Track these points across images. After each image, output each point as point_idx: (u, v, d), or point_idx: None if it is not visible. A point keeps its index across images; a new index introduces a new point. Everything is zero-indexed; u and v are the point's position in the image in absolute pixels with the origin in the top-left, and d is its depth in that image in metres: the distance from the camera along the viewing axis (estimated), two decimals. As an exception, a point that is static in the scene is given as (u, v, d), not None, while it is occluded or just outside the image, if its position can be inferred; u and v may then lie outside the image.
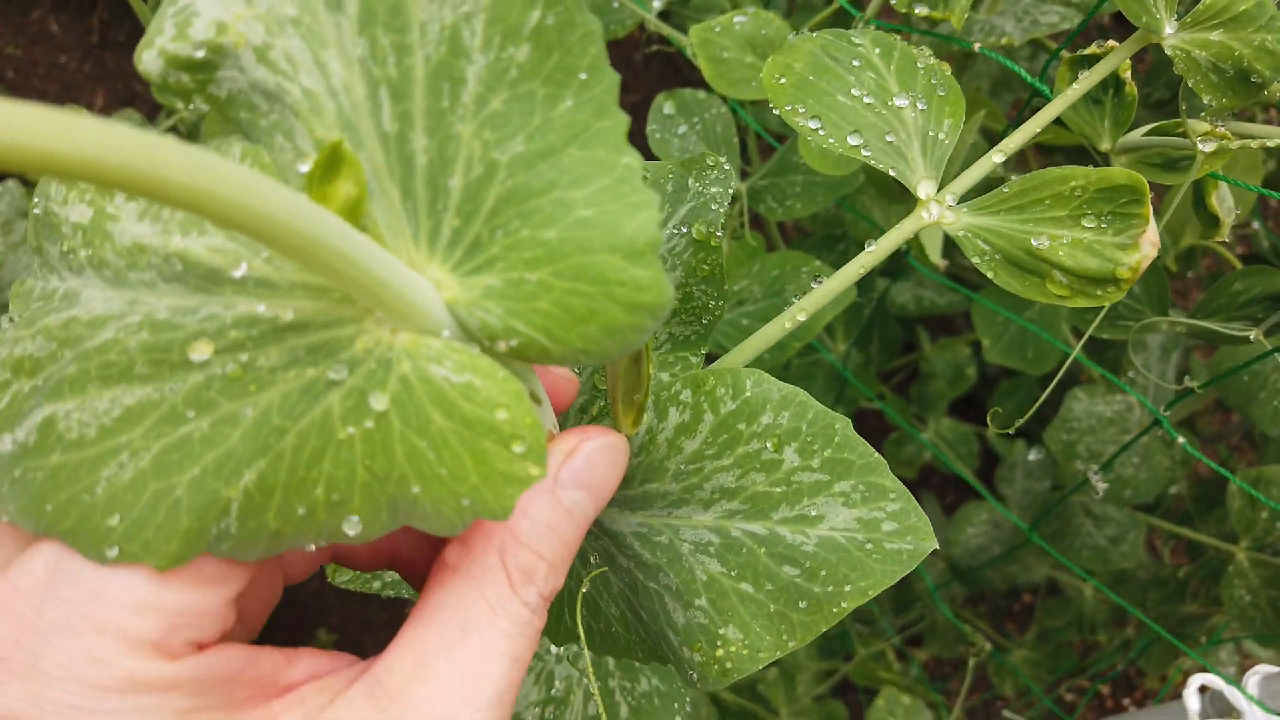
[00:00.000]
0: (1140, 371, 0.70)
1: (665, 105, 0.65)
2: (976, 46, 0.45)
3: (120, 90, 1.88)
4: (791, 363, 0.85)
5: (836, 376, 0.86)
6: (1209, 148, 0.38)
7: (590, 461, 0.26)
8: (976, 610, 1.27)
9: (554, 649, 0.44)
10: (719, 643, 0.28)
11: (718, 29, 0.54)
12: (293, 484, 0.21)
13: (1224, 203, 0.44)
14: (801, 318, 0.36)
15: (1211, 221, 0.44)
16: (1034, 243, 0.35)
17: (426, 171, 0.21)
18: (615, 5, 0.69)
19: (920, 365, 1.06)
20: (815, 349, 0.84)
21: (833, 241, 0.74)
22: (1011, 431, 0.45)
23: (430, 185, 0.21)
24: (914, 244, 0.67)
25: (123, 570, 0.21)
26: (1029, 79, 0.46)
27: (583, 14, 0.20)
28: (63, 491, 0.21)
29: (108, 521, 0.21)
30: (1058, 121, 0.43)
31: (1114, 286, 0.34)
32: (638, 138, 0.66)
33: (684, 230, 0.33)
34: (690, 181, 0.33)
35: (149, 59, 0.22)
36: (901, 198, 0.71)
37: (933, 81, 0.40)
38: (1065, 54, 0.43)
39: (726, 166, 0.33)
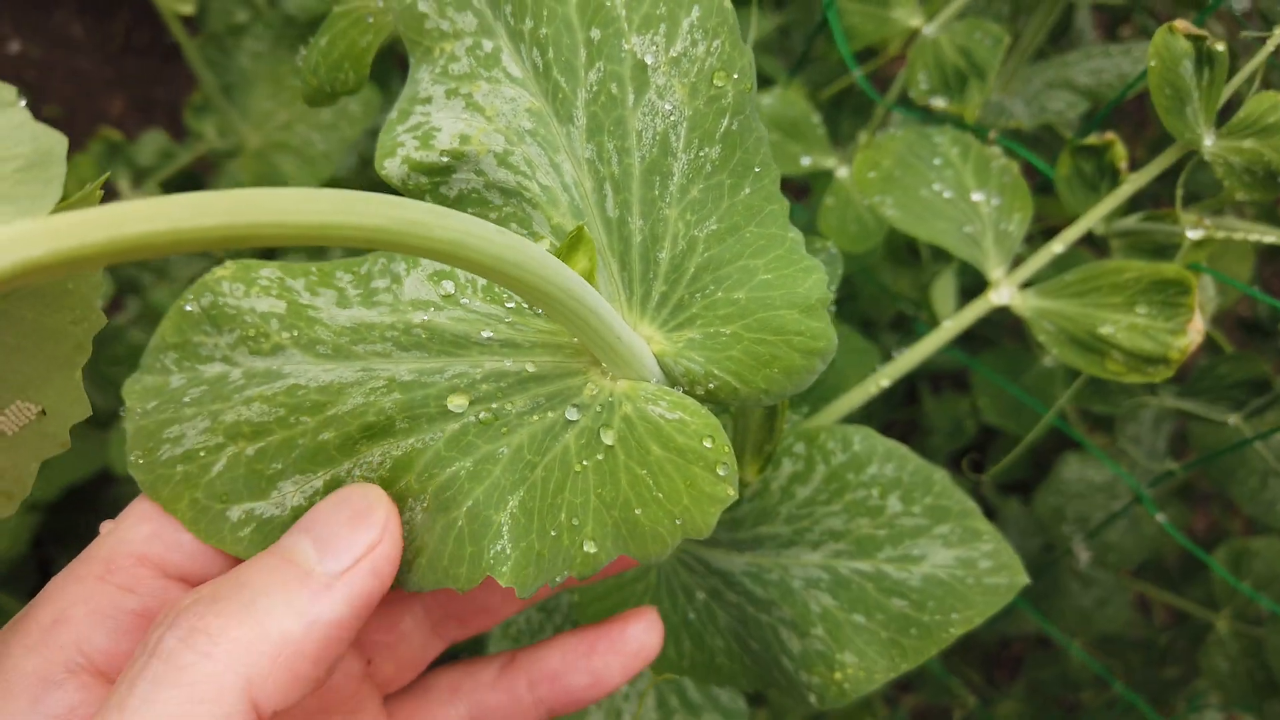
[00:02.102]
0: (1128, 444, 0.72)
1: None
2: (993, 136, 0.48)
3: (139, 96, 1.90)
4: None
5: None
6: (1196, 235, 0.42)
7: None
8: (967, 657, 1.28)
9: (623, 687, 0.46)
10: (836, 667, 0.32)
11: (860, 191, 0.57)
12: (544, 510, 0.25)
13: (1204, 291, 0.47)
14: (885, 383, 0.42)
15: (1188, 313, 0.47)
16: (1101, 329, 0.39)
17: (641, 247, 0.26)
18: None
19: (921, 418, 1.08)
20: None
21: (839, 301, 0.76)
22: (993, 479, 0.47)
23: (643, 258, 0.26)
24: (924, 306, 0.70)
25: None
26: (1040, 166, 0.49)
27: (756, 121, 0.25)
28: None
29: (414, 557, 0.25)
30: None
31: (1164, 365, 0.39)
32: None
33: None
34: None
35: (392, 166, 0.26)
36: (910, 262, 0.73)
37: (1004, 180, 0.45)
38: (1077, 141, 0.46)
39: (834, 250, 0.36)
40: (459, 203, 0.27)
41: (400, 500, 0.25)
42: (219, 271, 0.27)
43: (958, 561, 0.32)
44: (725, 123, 0.25)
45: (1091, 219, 0.43)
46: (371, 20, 0.39)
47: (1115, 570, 0.80)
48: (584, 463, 0.25)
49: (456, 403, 0.26)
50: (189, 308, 0.27)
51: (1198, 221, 0.43)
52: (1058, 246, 0.43)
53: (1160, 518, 0.57)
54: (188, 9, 0.59)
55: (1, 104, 0.16)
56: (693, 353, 0.26)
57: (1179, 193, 0.45)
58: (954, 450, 1.12)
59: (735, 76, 0.25)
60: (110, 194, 0.95)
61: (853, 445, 0.33)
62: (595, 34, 0.25)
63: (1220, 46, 0.41)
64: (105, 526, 0.27)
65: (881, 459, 0.33)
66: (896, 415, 1.17)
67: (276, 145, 0.68)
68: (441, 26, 0.26)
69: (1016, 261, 0.44)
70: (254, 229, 0.16)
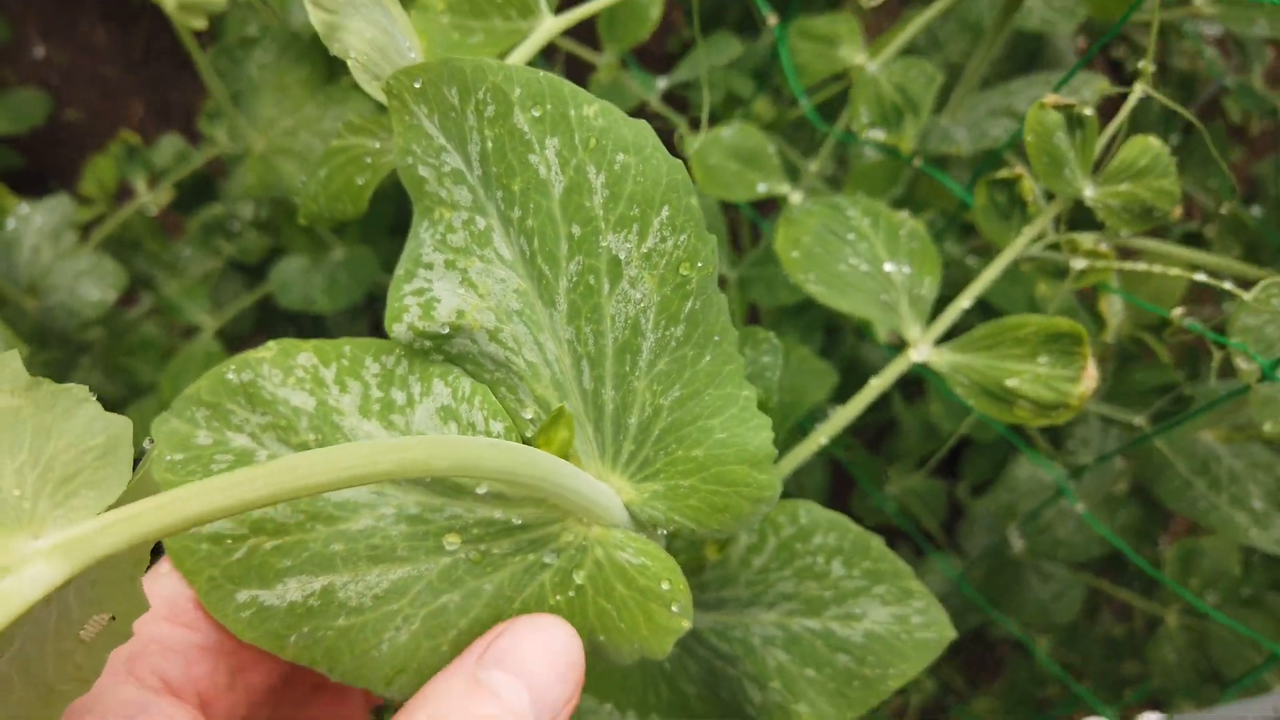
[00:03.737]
0: (1077, 447, 0.76)
1: None
2: (917, 162, 0.52)
3: (158, 102, 1.95)
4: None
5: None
6: (1079, 265, 0.47)
7: (515, 641, 0.28)
8: (952, 660, 1.32)
9: None
10: (793, 716, 0.36)
11: (708, 140, 0.62)
12: None
13: (1112, 306, 0.52)
14: (824, 440, 0.46)
15: (1100, 322, 0.52)
16: (1008, 382, 0.43)
17: (613, 415, 0.29)
18: (624, 84, 0.77)
19: (893, 421, 1.12)
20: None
21: (801, 309, 0.81)
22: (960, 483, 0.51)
23: (615, 423, 0.30)
24: (866, 330, 0.74)
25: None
26: (960, 192, 0.54)
27: (717, 294, 0.28)
28: (356, 648, 0.29)
29: (398, 673, 0.29)
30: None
31: (1065, 410, 0.43)
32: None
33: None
34: (748, 350, 0.41)
35: (400, 330, 0.30)
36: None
37: (913, 246, 0.49)
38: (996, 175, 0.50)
39: (775, 341, 0.41)
40: (458, 359, 0.30)
41: (389, 620, 0.29)
42: (262, 353, 0.31)
43: (894, 618, 0.36)
44: (689, 305, 0.28)
45: (1003, 261, 0.47)
46: (369, 160, 0.41)
47: (1066, 565, 0.84)
48: (557, 598, 0.29)
49: (451, 541, 0.29)
50: (229, 376, 0.30)
51: (1094, 248, 0.48)
52: (965, 302, 0.47)
53: (1079, 508, 0.61)
54: (200, 25, 0.64)
55: (78, 402, 0.20)
56: (656, 502, 0.30)
57: (1062, 231, 0.49)
58: (927, 453, 1.17)
59: (699, 264, 0.28)
60: (126, 194, 1.00)
61: (799, 519, 0.38)
62: (576, 230, 0.28)
63: (1088, 111, 0.46)
64: (164, 566, 0.30)
65: (825, 529, 0.37)
66: (870, 419, 1.21)
67: (280, 150, 0.73)
68: (440, 194, 0.29)
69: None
70: (292, 493, 0.21)
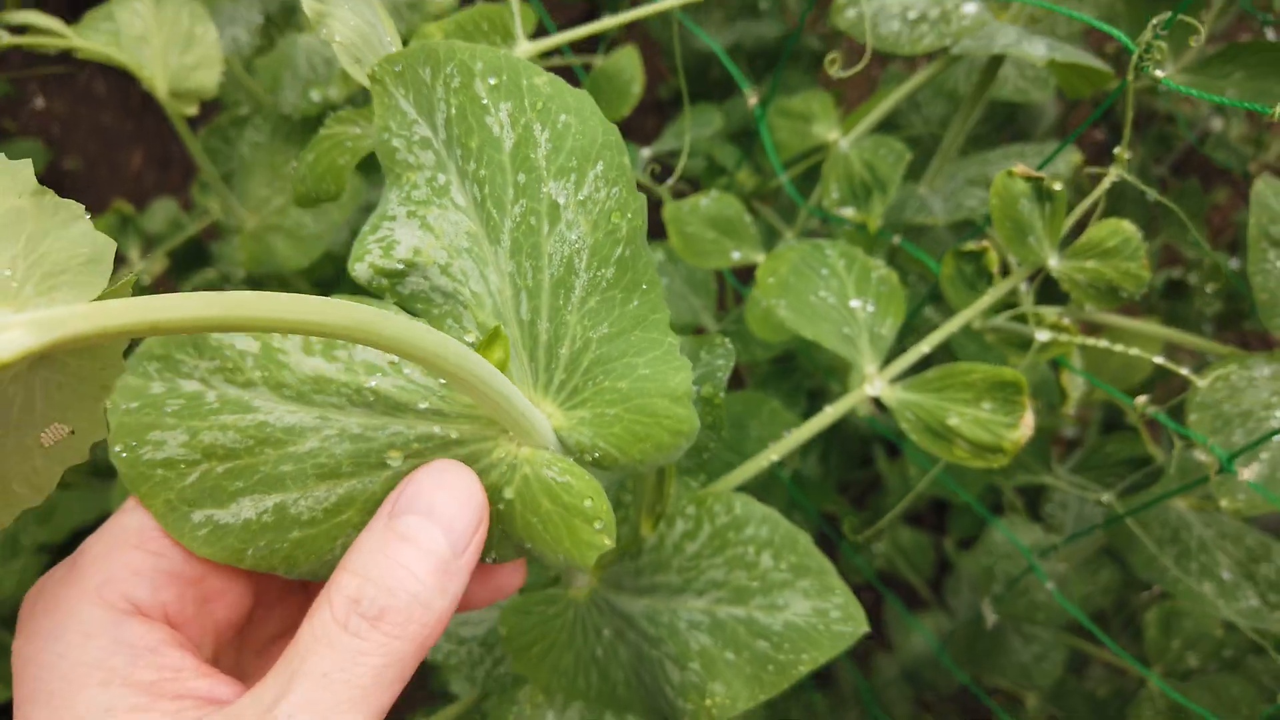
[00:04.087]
0: (1055, 510, 0.77)
1: (657, 252, 0.74)
2: (897, 239, 0.54)
3: (157, 150, 1.98)
4: (748, 483, 0.93)
5: (793, 485, 0.94)
6: (1043, 338, 0.48)
7: (419, 488, 0.30)
8: (947, 710, 1.32)
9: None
10: (707, 695, 0.38)
11: (686, 209, 0.63)
12: None
13: (1074, 380, 0.53)
14: (775, 457, 0.49)
15: (1062, 394, 0.53)
16: (949, 420, 0.46)
17: (546, 344, 0.32)
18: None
19: (878, 478, 1.14)
20: (777, 469, 0.92)
21: (785, 373, 0.82)
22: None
23: (548, 352, 0.32)
24: (834, 377, 0.76)
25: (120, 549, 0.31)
26: (930, 263, 0.55)
27: (645, 249, 0.31)
28: (312, 555, 0.32)
29: None
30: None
31: (1001, 454, 0.45)
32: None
33: (696, 389, 0.42)
34: (703, 353, 0.43)
35: (360, 269, 0.33)
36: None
37: (881, 289, 0.52)
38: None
39: (730, 346, 0.43)
40: (410, 299, 0.33)
41: (340, 528, 0.32)
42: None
43: (814, 611, 0.38)
44: (619, 250, 0.31)
45: (962, 319, 0.49)
46: (349, 144, 0.47)
47: (1046, 628, 0.84)
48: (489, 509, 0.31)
49: (393, 456, 0.32)
50: None
51: (1056, 321, 0.49)
52: (925, 347, 0.49)
53: (1050, 585, 0.62)
54: (192, 111, 0.66)
55: (75, 217, 0.23)
56: (583, 428, 0.32)
57: (1031, 303, 0.51)
58: (910, 511, 1.18)
59: (629, 215, 0.31)
60: (119, 262, 1.02)
61: (734, 509, 0.40)
62: (521, 178, 0.31)
63: (1058, 186, 0.47)
64: (130, 503, 0.33)
65: (758, 522, 0.40)
66: (855, 476, 1.22)
67: (272, 227, 0.75)
68: (408, 160, 0.32)
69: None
70: (241, 321, 0.23)
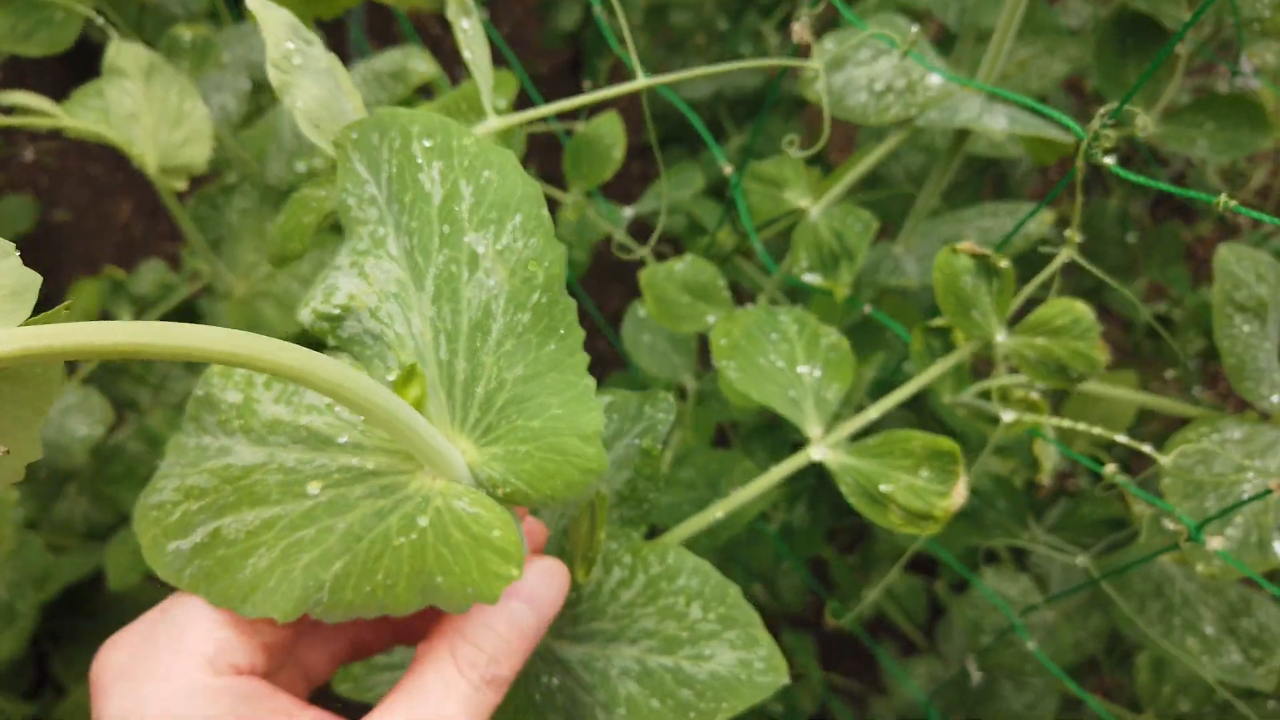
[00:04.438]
0: (1040, 561, 0.78)
1: (640, 309, 0.75)
2: (867, 308, 0.55)
3: (147, 202, 1.99)
4: (737, 533, 0.93)
5: (781, 538, 0.95)
6: (1008, 418, 0.49)
7: (530, 581, 0.35)
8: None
9: None
10: None
11: (661, 274, 0.64)
12: (364, 572, 0.32)
13: (1046, 450, 0.54)
14: (720, 515, 0.50)
15: (1037, 464, 0.54)
16: (881, 486, 0.47)
17: (463, 383, 0.34)
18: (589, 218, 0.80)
19: (867, 525, 1.14)
20: (759, 521, 0.93)
21: (769, 430, 0.83)
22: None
23: (464, 391, 0.34)
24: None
25: (201, 619, 0.33)
26: (902, 333, 0.56)
27: (564, 295, 0.33)
28: (225, 573, 0.33)
29: (252, 591, 0.33)
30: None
31: (933, 522, 0.46)
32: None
33: (636, 441, 0.44)
34: (646, 408, 0.45)
35: (304, 314, 0.35)
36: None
37: (830, 355, 0.53)
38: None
39: (672, 401, 0.44)
40: (348, 342, 0.35)
41: (254, 549, 0.33)
42: (211, 368, 0.37)
43: (738, 662, 0.40)
44: (536, 297, 0.33)
45: (915, 385, 0.50)
46: (314, 205, 0.49)
47: (1035, 677, 0.85)
48: (401, 539, 0.32)
49: (313, 487, 0.34)
50: (199, 392, 0.37)
51: (1024, 397, 0.50)
52: (873, 413, 0.50)
53: (1031, 645, 0.62)
54: (181, 186, 0.67)
55: (5, 253, 0.26)
56: (496, 463, 0.33)
57: (994, 381, 0.52)
58: (899, 554, 1.18)
59: (546, 264, 0.33)
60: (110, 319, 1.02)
61: (667, 560, 0.41)
62: (446, 229, 0.33)
63: (1004, 263, 0.48)
64: None
65: (689, 573, 0.41)
66: (844, 522, 1.23)
67: (260, 293, 0.76)
68: (358, 215, 0.35)
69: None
70: (153, 349, 0.25)
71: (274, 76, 0.39)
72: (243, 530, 0.34)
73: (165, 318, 0.99)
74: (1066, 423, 0.47)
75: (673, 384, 0.77)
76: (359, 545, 0.33)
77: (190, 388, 1.12)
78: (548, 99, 0.52)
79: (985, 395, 0.51)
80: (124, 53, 0.67)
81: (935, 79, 0.57)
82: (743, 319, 0.54)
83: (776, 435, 0.82)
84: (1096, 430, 0.46)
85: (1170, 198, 1.63)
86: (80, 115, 0.68)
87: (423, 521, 0.32)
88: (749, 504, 0.62)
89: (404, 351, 0.34)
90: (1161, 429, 1.29)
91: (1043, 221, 0.65)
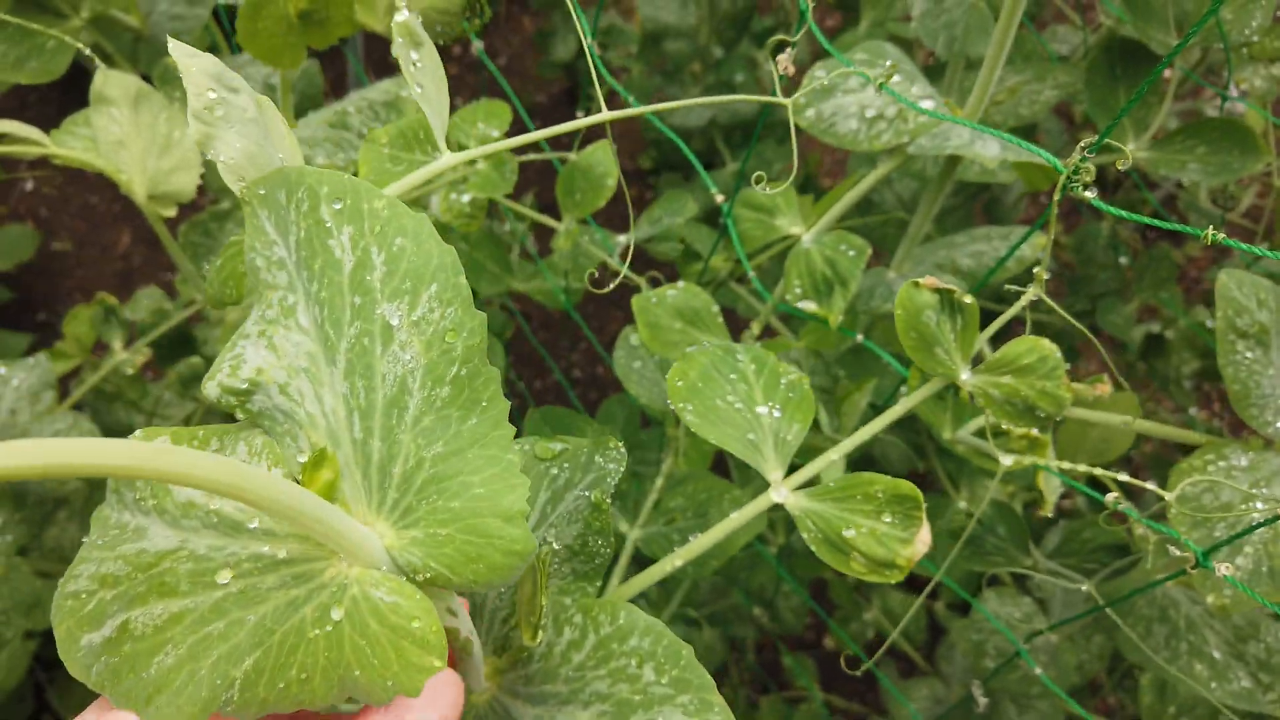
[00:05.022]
0: (1042, 584, 0.77)
1: (631, 336, 0.75)
2: (860, 337, 0.55)
3: (145, 230, 1.99)
4: (737, 556, 0.93)
5: (781, 559, 0.94)
6: (1007, 462, 0.48)
7: (421, 699, 0.33)
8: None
9: None
10: None
11: (654, 300, 0.64)
12: (277, 667, 0.31)
13: (1049, 482, 0.53)
14: (679, 563, 0.49)
15: (1041, 496, 0.53)
16: (844, 532, 0.45)
17: (379, 463, 0.32)
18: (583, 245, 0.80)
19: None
20: (757, 544, 0.93)
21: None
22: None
23: (381, 471, 0.32)
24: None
25: None
26: (894, 363, 0.56)
27: (485, 366, 0.32)
28: (130, 672, 0.32)
29: (156, 693, 0.31)
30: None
31: (896, 570, 0.45)
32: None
33: (586, 494, 0.43)
34: (597, 457, 0.44)
35: (210, 388, 0.34)
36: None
37: (790, 395, 0.51)
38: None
39: (622, 450, 0.44)
40: (259, 416, 0.34)
41: (160, 646, 0.32)
42: (134, 436, 0.35)
43: None
44: (455, 369, 0.32)
45: (879, 425, 0.50)
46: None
47: (1040, 700, 0.84)
48: (316, 631, 0.31)
49: (223, 576, 0.32)
50: None
51: (1026, 433, 0.49)
52: (834, 455, 0.50)
53: (1038, 671, 0.62)
54: (170, 213, 0.67)
55: None
56: (415, 548, 0.32)
57: (988, 424, 0.51)
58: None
59: (465, 335, 0.32)
60: (102, 350, 1.03)
61: (619, 619, 0.40)
62: (357, 299, 0.32)
63: (968, 299, 0.47)
64: None
65: (641, 633, 0.39)
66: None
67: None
68: (268, 279, 0.33)
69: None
70: (46, 468, 0.24)
71: (194, 129, 0.37)
72: (150, 624, 0.32)
73: (158, 344, 0.99)
74: (1068, 465, 0.47)
75: (663, 413, 0.76)
76: (271, 639, 0.31)
77: (188, 413, 1.12)
78: (543, 128, 0.51)
79: (983, 433, 0.51)
80: (111, 81, 0.67)
81: (926, 105, 0.57)
82: (699, 359, 0.52)
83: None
84: (1098, 471, 0.46)
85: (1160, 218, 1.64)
86: (68, 144, 0.68)
87: (337, 614, 0.31)
88: (713, 549, 0.62)
89: (315, 432, 0.33)
90: (1158, 450, 1.29)
91: (1036, 245, 0.65)
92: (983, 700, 0.64)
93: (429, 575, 0.32)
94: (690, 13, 1.46)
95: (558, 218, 0.81)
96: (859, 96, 0.59)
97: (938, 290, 0.47)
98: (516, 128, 0.60)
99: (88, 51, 0.66)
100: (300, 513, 0.29)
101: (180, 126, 0.68)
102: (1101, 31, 1.02)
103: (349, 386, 0.32)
